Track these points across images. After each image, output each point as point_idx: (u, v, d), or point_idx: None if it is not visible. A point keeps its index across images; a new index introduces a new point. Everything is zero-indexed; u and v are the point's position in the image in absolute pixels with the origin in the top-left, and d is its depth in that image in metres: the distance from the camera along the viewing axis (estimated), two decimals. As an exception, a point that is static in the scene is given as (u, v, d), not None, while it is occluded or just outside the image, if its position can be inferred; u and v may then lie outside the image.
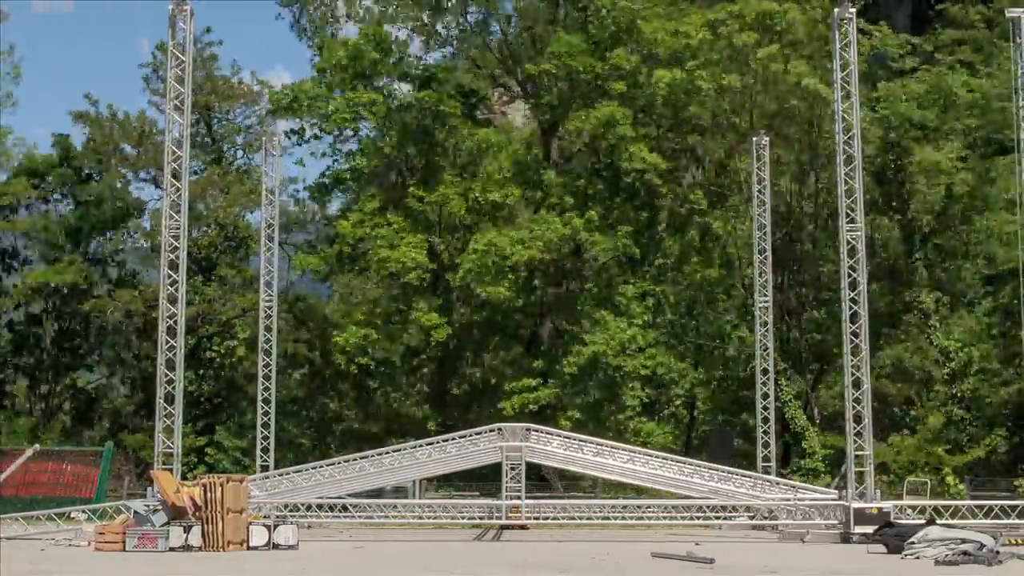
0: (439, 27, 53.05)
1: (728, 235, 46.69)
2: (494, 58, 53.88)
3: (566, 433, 32.03)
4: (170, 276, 26.56)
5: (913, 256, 46.40)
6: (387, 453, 31.55)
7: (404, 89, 50.78)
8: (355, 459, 31.19)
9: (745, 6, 44.86)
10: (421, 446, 31.43)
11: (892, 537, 21.71)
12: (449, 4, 51.81)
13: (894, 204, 46.47)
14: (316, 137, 51.55)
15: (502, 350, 51.80)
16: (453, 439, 31.20)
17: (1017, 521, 27.81)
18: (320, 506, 27.82)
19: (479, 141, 48.94)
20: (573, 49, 47.41)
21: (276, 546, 21.93)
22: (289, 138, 50.69)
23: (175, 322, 26.41)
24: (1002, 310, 44.15)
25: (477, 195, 47.49)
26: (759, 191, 35.13)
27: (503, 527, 31.63)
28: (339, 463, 30.95)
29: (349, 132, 51.61)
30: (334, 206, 54.52)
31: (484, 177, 47.93)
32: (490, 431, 30.53)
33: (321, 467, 30.94)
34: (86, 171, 53.78)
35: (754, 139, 36.41)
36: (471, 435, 30.90)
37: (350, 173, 51.96)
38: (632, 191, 47.23)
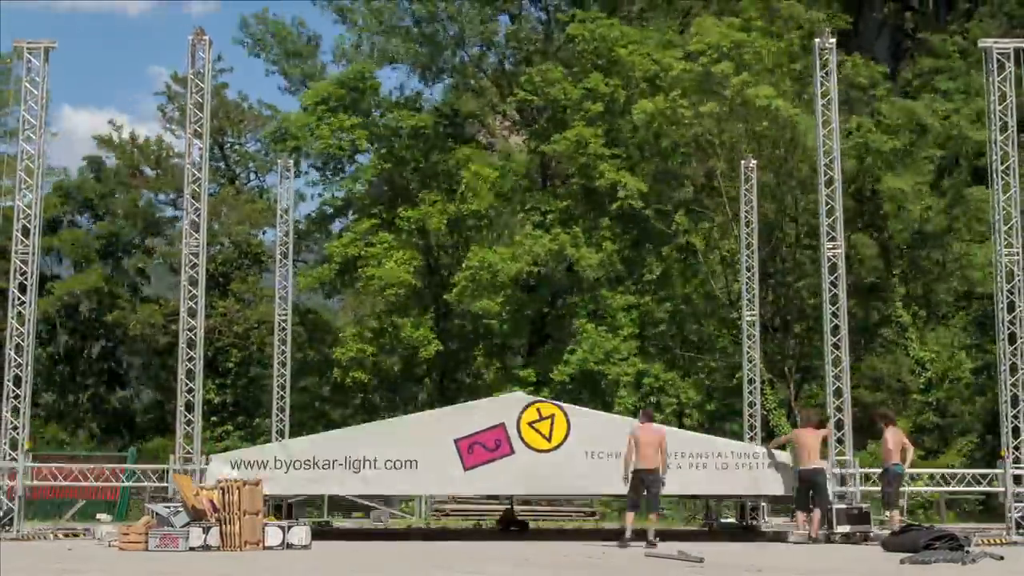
0: (437, 61, 53.35)
1: (709, 252, 46.88)
2: (491, 87, 54.25)
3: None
4: (189, 291, 26.69)
5: (890, 273, 46.57)
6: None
7: (389, 115, 50.92)
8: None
9: (720, 36, 45.09)
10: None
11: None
12: (446, 39, 52.19)
13: (871, 223, 46.70)
14: (315, 167, 52.07)
15: (496, 360, 52.04)
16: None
17: (989, 524, 27.88)
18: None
19: (459, 159, 49.22)
20: (549, 76, 47.76)
21: (290, 546, 22.00)
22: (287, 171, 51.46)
23: (194, 335, 26.54)
24: (976, 322, 44.34)
25: (459, 207, 47.70)
26: (746, 212, 35.24)
27: (504, 527, 31.67)
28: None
29: (341, 159, 51.95)
30: (335, 227, 54.90)
31: (464, 189, 48.09)
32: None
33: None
34: (111, 191, 54.27)
35: (742, 162, 36.55)
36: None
37: (343, 200, 52.30)
38: (617, 212, 47.31)
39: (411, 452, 25.24)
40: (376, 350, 47.72)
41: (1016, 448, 26.02)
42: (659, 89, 46.08)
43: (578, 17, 49.29)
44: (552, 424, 25.18)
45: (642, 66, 46.98)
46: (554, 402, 26.90)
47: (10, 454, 25.53)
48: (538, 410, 25.47)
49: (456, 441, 25.08)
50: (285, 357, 35.71)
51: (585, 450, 25.14)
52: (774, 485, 25.58)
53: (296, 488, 25.95)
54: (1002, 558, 19.73)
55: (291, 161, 40.28)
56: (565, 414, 25.55)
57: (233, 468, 25.31)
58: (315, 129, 49.52)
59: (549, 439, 25.10)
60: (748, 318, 34.63)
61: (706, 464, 25.27)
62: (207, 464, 25.65)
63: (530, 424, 25.19)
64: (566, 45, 50.85)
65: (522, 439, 25.05)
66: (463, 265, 46.79)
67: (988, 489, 27.38)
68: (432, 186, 50.06)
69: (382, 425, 30.41)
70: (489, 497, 34.88)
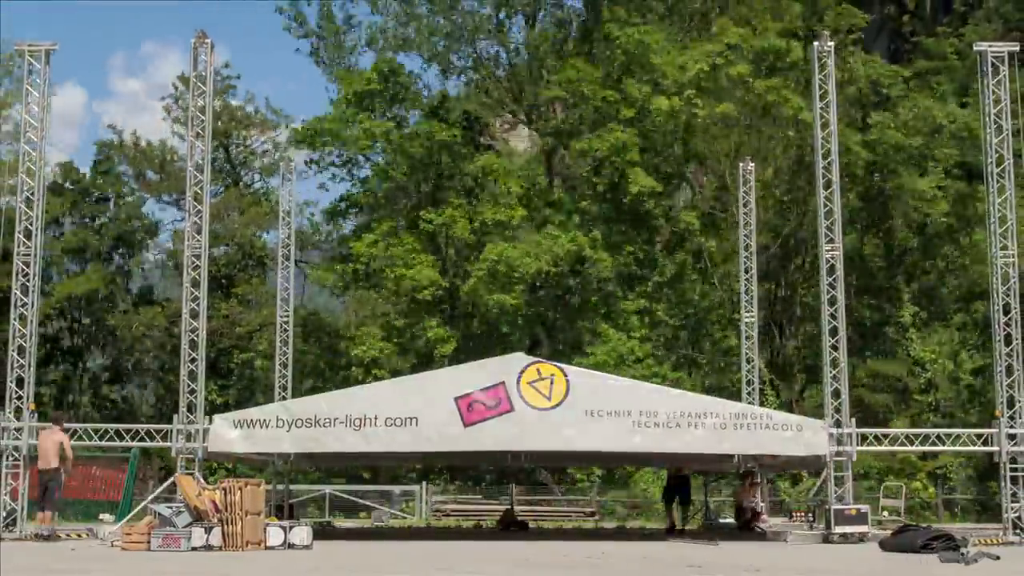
0: (453, 58, 53.48)
1: (721, 255, 46.83)
2: (503, 87, 54.19)
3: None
4: (192, 293, 26.63)
5: (894, 273, 46.50)
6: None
7: (414, 118, 50.93)
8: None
9: (743, 42, 45.13)
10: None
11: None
12: (463, 34, 52.22)
13: (878, 223, 46.64)
14: (334, 165, 52.07)
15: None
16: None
17: (986, 525, 27.82)
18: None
19: (482, 166, 49.14)
20: (583, 75, 47.67)
21: (291, 546, 22.01)
22: (309, 167, 51.69)
23: (197, 336, 26.50)
24: (975, 324, 44.28)
25: (485, 217, 47.63)
26: (745, 213, 35.21)
27: (505, 527, 31.65)
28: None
29: (363, 159, 51.94)
30: (347, 227, 54.76)
31: (491, 200, 48.03)
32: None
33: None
34: (110, 194, 54.28)
35: (741, 164, 36.50)
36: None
37: (363, 196, 52.21)
38: (633, 213, 47.27)
39: (411, 410, 25.15)
40: (395, 349, 47.53)
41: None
42: (680, 88, 45.96)
43: (616, 17, 49.06)
44: (552, 383, 25.20)
45: (671, 73, 46.70)
46: (554, 363, 26.89)
47: (14, 455, 25.54)
48: (538, 370, 25.50)
49: (456, 399, 25.09)
50: (287, 358, 35.68)
51: (584, 409, 25.14)
52: (774, 445, 25.55)
53: (298, 446, 25.81)
54: (998, 557, 19.71)
55: (292, 164, 40.21)
56: (564, 374, 25.60)
57: (236, 427, 25.40)
58: (345, 128, 49.69)
59: (549, 398, 25.10)
60: (747, 319, 34.60)
61: (704, 424, 25.26)
62: (210, 423, 25.72)
63: (530, 383, 25.19)
64: (584, 45, 50.80)
65: (522, 397, 25.04)
66: (480, 257, 46.68)
67: (985, 449, 27.05)
68: (450, 189, 49.92)
69: (383, 385, 30.46)
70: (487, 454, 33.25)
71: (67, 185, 53.85)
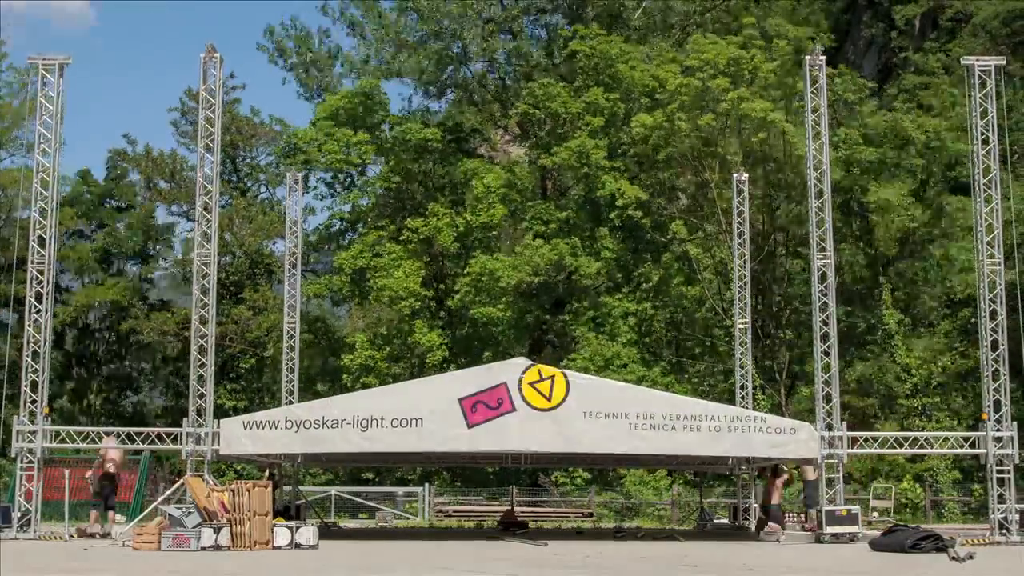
0: (443, 76, 53.32)
1: (705, 261, 46.77)
2: (493, 101, 54.11)
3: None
4: (201, 300, 26.65)
5: (877, 281, 46.46)
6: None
7: (397, 128, 50.58)
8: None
9: (716, 54, 45.15)
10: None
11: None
12: (451, 54, 52.09)
13: (859, 233, 46.62)
14: (324, 182, 51.78)
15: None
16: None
17: (973, 526, 27.75)
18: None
19: (465, 171, 48.97)
20: (550, 90, 47.70)
21: (298, 546, 22.01)
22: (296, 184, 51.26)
23: (206, 342, 26.49)
24: (960, 329, 44.24)
25: (468, 219, 47.41)
26: (738, 223, 35.15)
27: (506, 527, 31.60)
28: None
29: (350, 172, 51.55)
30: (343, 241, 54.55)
31: (472, 201, 47.81)
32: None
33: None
34: (124, 203, 54.33)
35: (734, 175, 36.42)
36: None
37: (351, 212, 51.85)
38: (615, 221, 47.15)
39: (416, 411, 25.07)
40: (384, 356, 47.40)
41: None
42: (658, 103, 46.05)
43: (580, 34, 49.21)
44: (552, 384, 25.20)
45: (641, 81, 46.98)
46: (553, 367, 26.89)
47: (27, 457, 25.53)
48: (539, 371, 25.48)
49: (460, 400, 25.09)
50: (294, 364, 35.65)
51: (584, 410, 25.11)
52: (764, 448, 25.55)
53: (306, 447, 25.75)
54: (972, 556, 19.66)
55: (300, 175, 40.15)
56: (565, 376, 25.63)
57: (246, 429, 25.33)
58: (323, 144, 49.26)
59: (549, 398, 25.08)
60: (740, 326, 34.54)
61: (699, 427, 25.24)
62: (218, 428, 25.64)
63: (531, 384, 25.19)
64: (567, 61, 50.75)
65: (523, 397, 24.99)
66: (465, 271, 46.62)
67: (972, 451, 27.01)
68: (438, 198, 49.77)
69: (388, 388, 30.44)
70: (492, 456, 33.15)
71: (84, 194, 53.97)
